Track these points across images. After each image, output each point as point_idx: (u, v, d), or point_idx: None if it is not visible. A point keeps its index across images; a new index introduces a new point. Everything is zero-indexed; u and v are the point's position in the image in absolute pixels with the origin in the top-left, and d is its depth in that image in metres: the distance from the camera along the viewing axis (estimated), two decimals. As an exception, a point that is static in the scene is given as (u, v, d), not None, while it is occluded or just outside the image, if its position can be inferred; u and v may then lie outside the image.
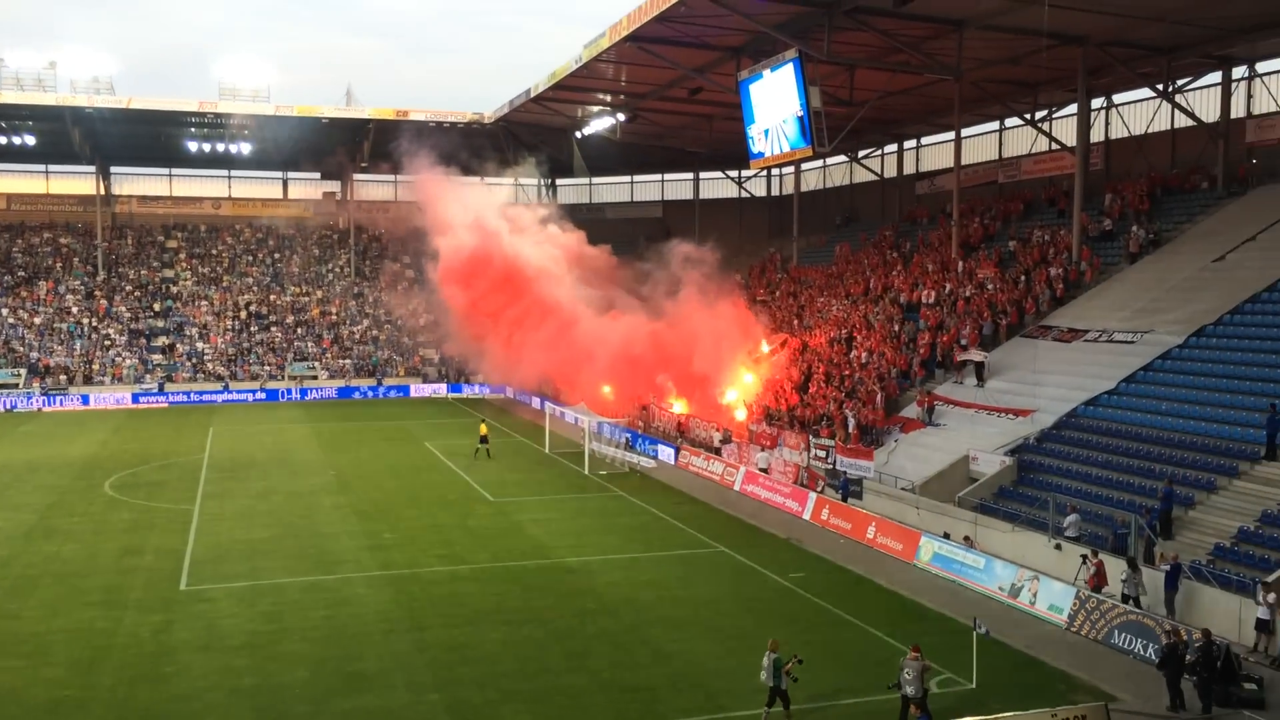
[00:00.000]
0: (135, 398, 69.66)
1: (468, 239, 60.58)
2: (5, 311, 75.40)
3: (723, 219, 78.84)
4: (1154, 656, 21.56)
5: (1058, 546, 27.92)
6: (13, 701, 20.33)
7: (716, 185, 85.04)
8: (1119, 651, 23.04)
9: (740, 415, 48.75)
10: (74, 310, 76.96)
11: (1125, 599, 24.72)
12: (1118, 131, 52.99)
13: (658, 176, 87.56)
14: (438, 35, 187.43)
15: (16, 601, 26.75)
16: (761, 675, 19.29)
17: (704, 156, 75.85)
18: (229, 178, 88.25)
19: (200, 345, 76.54)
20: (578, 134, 69.56)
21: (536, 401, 65.23)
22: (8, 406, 66.53)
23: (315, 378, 75.34)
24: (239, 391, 72.32)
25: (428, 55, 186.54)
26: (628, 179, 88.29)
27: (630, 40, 45.98)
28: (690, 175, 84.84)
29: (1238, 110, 45.95)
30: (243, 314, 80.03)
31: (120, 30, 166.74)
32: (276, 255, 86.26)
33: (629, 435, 50.32)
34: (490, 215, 62.31)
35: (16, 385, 69.19)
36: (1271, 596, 22.33)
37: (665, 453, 47.69)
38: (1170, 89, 46.76)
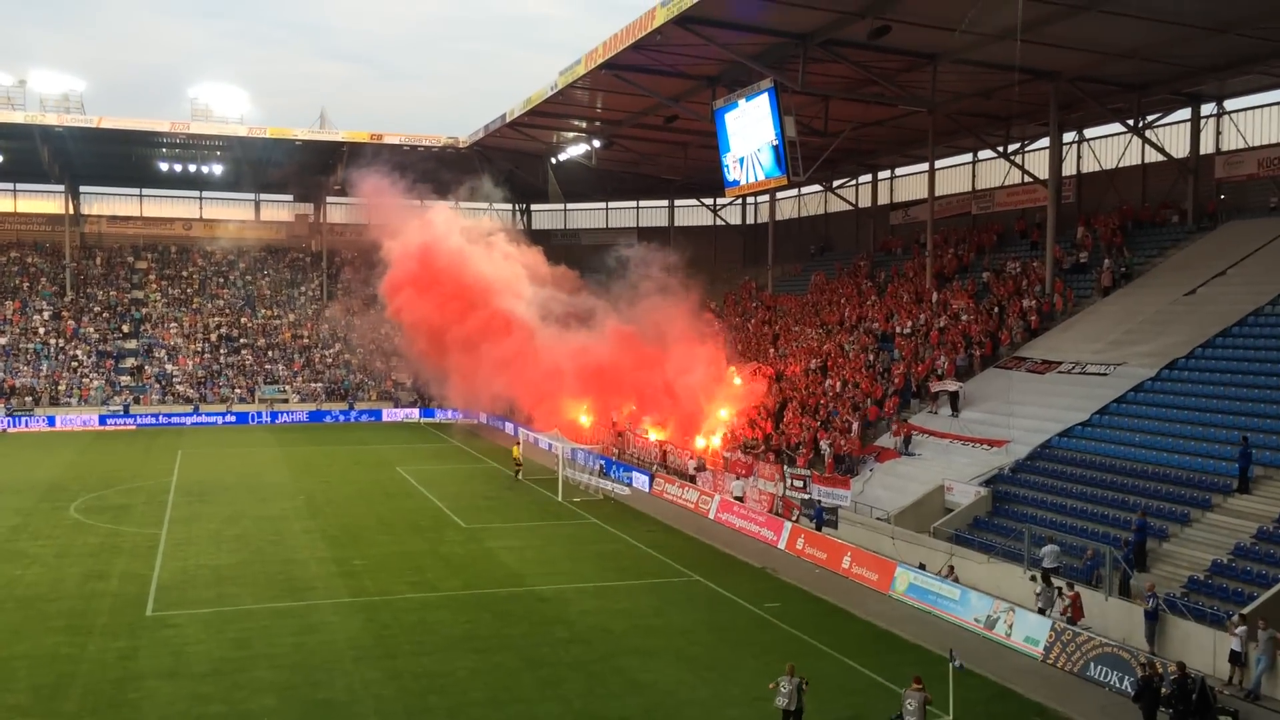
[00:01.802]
0: (102, 420, 68.79)
1: (414, 246, 59.14)
2: (-30, 331, 74.46)
3: (698, 246, 78.78)
4: (1130, 689, 21.55)
5: (1033, 578, 27.87)
6: (-28, 730, 19.90)
7: (692, 212, 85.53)
8: (1095, 684, 23.00)
9: (715, 442, 48.62)
10: (41, 331, 76.01)
11: (1040, 611, 25.37)
12: (1089, 165, 53.60)
13: (633, 203, 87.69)
14: (412, 61, 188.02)
15: (-22, 627, 26.21)
16: (779, 701, 19.13)
17: (679, 184, 76.10)
18: (200, 199, 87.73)
19: (169, 367, 75.72)
20: (553, 160, 69.65)
21: (509, 427, 64.82)
22: (-29, 427, 65.55)
23: (286, 401, 74.74)
24: (208, 414, 71.55)
25: (402, 81, 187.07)
26: (603, 205, 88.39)
27: (606, 68, 46.09)
28: (665, 202, 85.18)
29: (1207, 146, 46.63)
30: (213, 336, 79.30)
31: (92, 52, 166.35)
32: (248, 277, 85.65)
33: (603, 462, 50.07)
34: (438, 222, 61.27)
35: (-20, 406, 68.11)
36: (1244, 629, 22.38)
37: (640, 480, 47.47)
38: (1140, 124, 47.34)
